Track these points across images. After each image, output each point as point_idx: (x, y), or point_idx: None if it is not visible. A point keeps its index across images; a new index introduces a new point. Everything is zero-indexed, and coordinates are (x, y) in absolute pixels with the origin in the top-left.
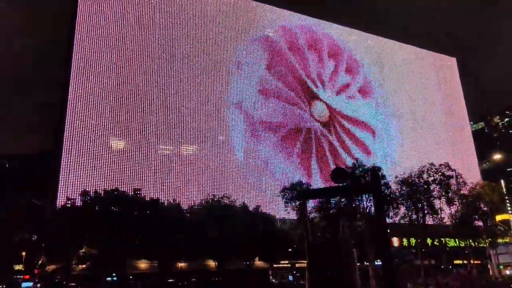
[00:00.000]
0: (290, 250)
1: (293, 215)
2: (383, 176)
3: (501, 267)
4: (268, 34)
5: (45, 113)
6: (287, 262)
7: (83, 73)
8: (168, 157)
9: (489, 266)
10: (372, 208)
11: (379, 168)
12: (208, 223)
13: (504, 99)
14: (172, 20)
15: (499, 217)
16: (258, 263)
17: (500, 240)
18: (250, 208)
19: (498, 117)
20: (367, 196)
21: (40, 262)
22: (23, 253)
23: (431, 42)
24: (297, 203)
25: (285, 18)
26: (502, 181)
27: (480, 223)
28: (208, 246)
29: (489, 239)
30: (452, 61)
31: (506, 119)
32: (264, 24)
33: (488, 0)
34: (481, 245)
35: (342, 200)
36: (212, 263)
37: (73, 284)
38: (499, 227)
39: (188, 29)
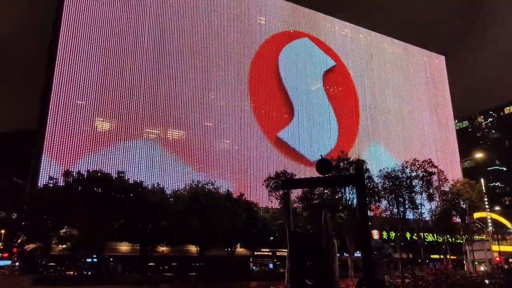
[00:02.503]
0: (271, 238)
1: (276, 204)
2: (367, 169)
3: (476, 263)
4: (260, 22)
5: (26, 89)
6: (268, 250)
7: (70, 53)
8: (153, 140)
9: (464, 262)
10: (355, 200)
11: (363, 161)
12: (191, 209)
13: (489, 99)
14: (160, 4)
15: (476, 215)
16: (239, 250)
17: (476, 237)
18: (234, 196)
19: (482, 117)
20: (350, 188)
21: (19, 240)
22: (2, 231)
23: (421, 39)
24: (281, 192)
25: (277, 6)
26: (482, 180)
27: (458, 220)
28: (191, 232)
29: (466, 235)
30: (440, 59)
31: (490, 119)
32: (255, 12)
33: (477, 1)
34: (458, 241)
35: (326, 191)
36: (193, 249)
37: (52, 263)
38: (476, 224)
39: (178, 13)
